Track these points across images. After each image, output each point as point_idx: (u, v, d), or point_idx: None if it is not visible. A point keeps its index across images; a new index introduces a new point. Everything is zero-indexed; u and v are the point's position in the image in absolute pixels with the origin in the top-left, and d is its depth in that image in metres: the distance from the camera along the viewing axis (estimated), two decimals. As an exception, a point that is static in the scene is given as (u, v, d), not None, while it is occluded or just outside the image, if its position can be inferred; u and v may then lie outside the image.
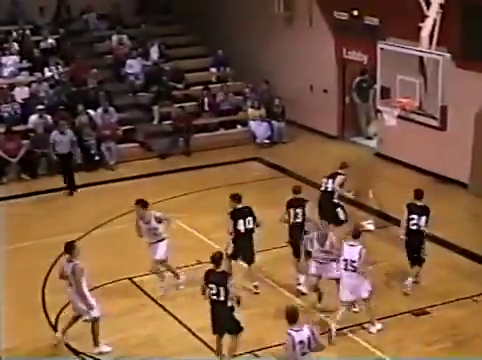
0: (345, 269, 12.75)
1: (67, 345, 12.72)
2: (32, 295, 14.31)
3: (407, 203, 14.23)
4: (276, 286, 14.57)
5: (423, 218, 14.01)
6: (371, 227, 16.99)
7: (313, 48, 22.92)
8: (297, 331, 10.21)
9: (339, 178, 16.43)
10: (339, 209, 16.51)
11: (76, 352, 12.58)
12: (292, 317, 10.31)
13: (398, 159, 20.57)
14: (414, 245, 14.22)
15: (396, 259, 15.55)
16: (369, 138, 22.72)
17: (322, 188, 16.57)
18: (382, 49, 16.33)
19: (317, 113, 23.23)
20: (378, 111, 18.95)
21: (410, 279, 14.25)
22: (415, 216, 14.06)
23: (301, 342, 10.15)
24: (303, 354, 10.17)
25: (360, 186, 18.31)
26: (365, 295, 12.83)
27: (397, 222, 17.04)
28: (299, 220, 14.57)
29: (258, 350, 12.47)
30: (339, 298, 12.97)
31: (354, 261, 12.67)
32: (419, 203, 14.18)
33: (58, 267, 15.36)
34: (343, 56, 22.18)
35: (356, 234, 12.99)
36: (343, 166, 16.67)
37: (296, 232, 14.58)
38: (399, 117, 16.44)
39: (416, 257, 14.29)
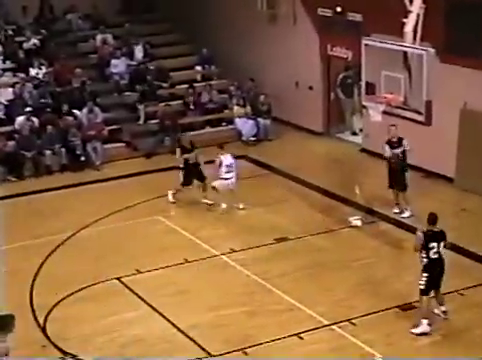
0: None
1: (54, 345, 12.69)
2: (20, 296, 14.24)
3: (423, 230, 12.82)
4: (266, 284, 14.56)
5: (442, 244, 12.77)
6: (358, 223, 17.02)
7: (298, 45, 22.93)
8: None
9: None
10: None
11: (64, 352, 12.54)
12: None
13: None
14: (439, 273, 12.89)
15: (383, 254, 15.62)
16: (355, 134, 22.77)
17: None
18: (366, 45, 16.38)
19: (302, 110, 23.24)
20: (363, 107, 19.00)
21: (442, 308, 13.14)
22: (435, 244, 12.69)
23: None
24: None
25: (347, 182, 18.36)
26: None
27: (384, 217, 17.20)
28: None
29: (247, 348, 12.47)
30: None
31: None
32: (435, 229, 12.81)
33: (46, 267, 15.45)
34: (327, 53, 22.19)
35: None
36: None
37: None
38: (384, 112, 16.50)
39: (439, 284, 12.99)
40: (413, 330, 12.71)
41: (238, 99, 23.69)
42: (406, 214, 17.04)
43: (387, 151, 17.07)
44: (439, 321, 13.01)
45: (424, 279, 12.76)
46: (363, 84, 16.77)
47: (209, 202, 18.05)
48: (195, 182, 18.42)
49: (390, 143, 16.99)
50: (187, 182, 18.37)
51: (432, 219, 12.82)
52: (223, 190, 17.75)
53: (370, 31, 18.58)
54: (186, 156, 18.40)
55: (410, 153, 17.04)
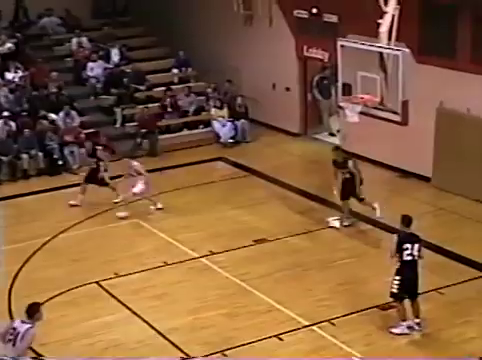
0: None
1: (32, 349, 12.61)
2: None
3: (397, 232, 12.85)
4: (245, 286, 14.56)
5: (416, 246, 12.52)
6: (336, 224, 17.07)
7: (274, 47, 22.96)
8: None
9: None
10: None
11: (38, 354, 12.47)
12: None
13: (361, 155, 20.64)
14: (413, 278, 12.61)
15: (362, 255, 15.67)
16: (332, 135, 22.84)
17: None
18: (342, 46, 16.43)
19: (280, 111, 23.28)
20: (340, 107, 19.06)
21: (416, 320, 12.83)
22: (408, 245, 12.48)
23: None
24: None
25: (325, 183, 18.41)
26: None
27: (362, 217, 17.26)
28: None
29: (227, 350, 12.47)
30: None
31: None
32: (409, 231, 12.67)
33: (24, 272, 15.37)
34: (304, 54, 22.26)
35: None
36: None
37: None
38: (361, 113, 16.56)
39: (415, 292, 12.75)
40: (392, 330, 12.76)
41: (215, 101, 23.69)
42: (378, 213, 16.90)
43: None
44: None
45: (396, 282, 12.58)
46: (339, 85, 16.82)
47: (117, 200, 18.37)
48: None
49: (336, 164, 16.94)
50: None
51: (406, 221, 12.68)
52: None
53: (346, 32, 18.65)
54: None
55: (357, 171, 16.80)
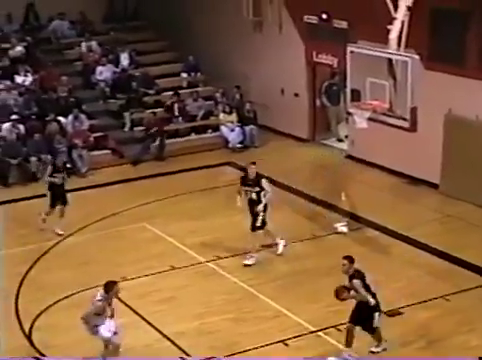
0: None
1: (41, 353, 12.65)
2: (5, 304, 14.19)
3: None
4: (252, 291, 14.56)
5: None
6: (344, 229, 17.06)
7: (283, 52, 22.99)
8: None
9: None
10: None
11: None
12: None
13: (369, 161, 20.69)
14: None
15: (369, 261, 15.63)
16: (340, 140, 22.84)
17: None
18: (351, 52, 16.43)
19: (288, 117, 23.29)
20: (349, 113, 19.06)
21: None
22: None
23: None
24: None
25: (332, 188, 18.41)
26: None
27: (370, 223, 17.25)
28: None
29: (233, 355, 12.47)
30: None
31: None
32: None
33: (32, 274, 15.41)
34: (313, 60, 22.27)
35: None
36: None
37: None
38: (370, 119, 16.55)
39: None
40: (373, 349, 12.40)
41: (224, 106, 23.72)
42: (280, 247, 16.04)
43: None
44: (424, 327, 13.05)
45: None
46: (348, 91, 16.81)
47: (60, 232, 17.27)
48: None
49: (245, 181, 15.76)
50: (53, 204, 17.42)
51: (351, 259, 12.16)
52: None
53: (355, 38, 18.63)
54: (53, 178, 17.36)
55: (268, 195, 15.55)
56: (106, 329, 11.94)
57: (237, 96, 24.03)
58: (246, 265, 15.50)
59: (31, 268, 15.72)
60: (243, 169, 21.07)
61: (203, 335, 13.14)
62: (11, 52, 24.08)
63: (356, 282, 11.86)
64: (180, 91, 24.17)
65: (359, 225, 17.36)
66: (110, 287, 11.89)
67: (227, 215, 17.84)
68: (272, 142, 23.21)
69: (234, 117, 23.38)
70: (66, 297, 14.30)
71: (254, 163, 15.93)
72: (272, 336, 12.92)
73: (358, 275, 12.05)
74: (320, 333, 12.99)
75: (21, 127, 21.49)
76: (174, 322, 13.53)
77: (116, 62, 24.71)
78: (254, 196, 15.56)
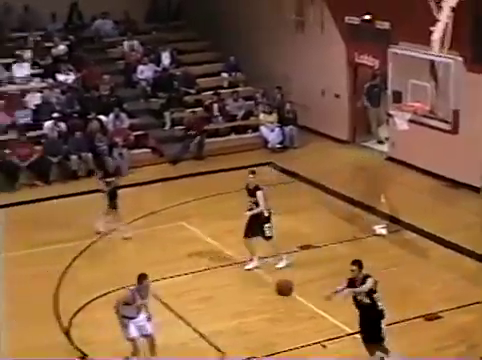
0: None
1: (79, 350, 12.75)
2: (44, 300, 14.33)
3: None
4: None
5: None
6: (383, 231, 16.96)
7: (324, 53, 22.91)
8: None
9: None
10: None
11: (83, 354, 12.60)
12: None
13: (410, 163, 20.52)
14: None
15: (408, 263, 15.52)
16: (380, 142, 22.69)
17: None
18: (394, 53, 16.33)
19: (329, 118, 23.20)
20: (389, 115, 18.93)
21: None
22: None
23: None
24: None
25: (372, 190, 18.30)
26: None
27: (409, 226, 17.11)
28: None
29: (270, 355, 12.44)
30: None
31: None
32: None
33: (71, 271, 15.54)
34: (355, 60, 22.16)
35: None
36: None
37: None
38: (411, 121, 16.43)
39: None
40: None
41: (264, 106, 23.70)
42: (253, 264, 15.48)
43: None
44: (463, 332, 12.91)
45: None
46: (390, 92, 16.71)
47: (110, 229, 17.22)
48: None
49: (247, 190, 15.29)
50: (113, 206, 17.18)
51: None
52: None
53: (398, 39, 18.52)
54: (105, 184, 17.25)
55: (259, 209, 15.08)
56: (135, 328, 11.92)
57: (278, 96, 24.02)
58: (278, 268, 15.34)
59: (70, 265, 15.84)
60: (283, 170, 21.20)
61: (240, 335, 13.13)
62: (54, 51, 24.34)
63: (370, 280, 11.49)
64: (221, 91, 24.21)
65: (398, 227, 17.23)
66: (141, 279, 11.98)
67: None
68: (312, 143, 23.14)
69: (274, 117, 23.36)
70: (104, 295, 14.38)
71: (253, 172, 15.48)
72: (308, 337, 12.87)
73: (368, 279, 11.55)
74: (357, 335, 12.87)
75: (63, 125, 21.71)
76: (210, 321, 13.54)
77: (157, 61, 24.84)
78: (253, 206, 15.16)
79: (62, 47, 24.47)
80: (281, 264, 15.43)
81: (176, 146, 22.47)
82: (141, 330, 12.02)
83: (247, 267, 15.49)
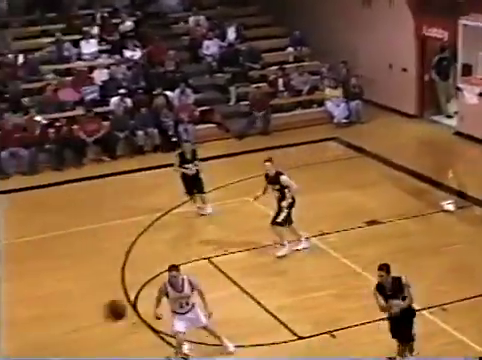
0: None
1: (145, 323, 12.86)
2: (112, 274, 14.51)
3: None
4: (355, 268, 14.41)
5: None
6: (451, 207, 16.71)
7: (392, 26, 22.56)
8: None
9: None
10: None
11: (155, 330, 12.70)
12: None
13: (478, 138, 20.13)
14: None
15: (476, 240, 15.26)
16: (449, 117, 22.29)
17: None
18: (464, 25, 15.97)
19: (396, 92, 22.89)
20: (458, 89, 18.57)
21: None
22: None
23: None
24: None
25: (440, 165, 18.02)
26: None
27: (477, 202, 16.80)
28: None
29: (335, 331, 12.39)
30: None
31: None
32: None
33: (138, 246, 15.70)
34: (423, 33, 21.76)
35: None
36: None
37: None
38: (480, 95, 16.10)
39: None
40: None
41: (330, 81, 23.49)
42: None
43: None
44: None
45: None
46: (459, 65, 16.38)
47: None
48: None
49: (267, 179, 14.99)
50: (189, 192, 17.09)
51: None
52: None
53: (468, 10, 18.08)
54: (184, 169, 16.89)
55: (292, 191, 14.76)
56: (182, 322, 11.54)
57: (344, 71, 23.78)
58: (278, 257, 14.97)
59: (136, 240, 16.00)
60: (349, 145, 21.02)
61: (305, 310, 13.09)
62: (121, 27, 24.53)
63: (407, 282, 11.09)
64: (286, 66, 24.06)
65: (466, 203, 16.95)
66: (169, 270, 11.58)
67: (332, 190, 17.73)
68: (379, 118, 22.87)
69: (340, 92, 23.15)
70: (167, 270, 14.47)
71: (269, 160, 15.08)
72: (374, 314, 12.71)
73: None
74: (424, 312, 12.73)
75: (128, 101, 21.89)
76: (276, 296, 13.54)
77: (223, 36, 24.81)
78: (277, 194, 14.88)
79: (129, 23, 24.63)
80: (281, 252, 15.02)
81: (241, 121, 22.46)
82: (193, 323, 11.64)
83: (298, 247, 15.13)
